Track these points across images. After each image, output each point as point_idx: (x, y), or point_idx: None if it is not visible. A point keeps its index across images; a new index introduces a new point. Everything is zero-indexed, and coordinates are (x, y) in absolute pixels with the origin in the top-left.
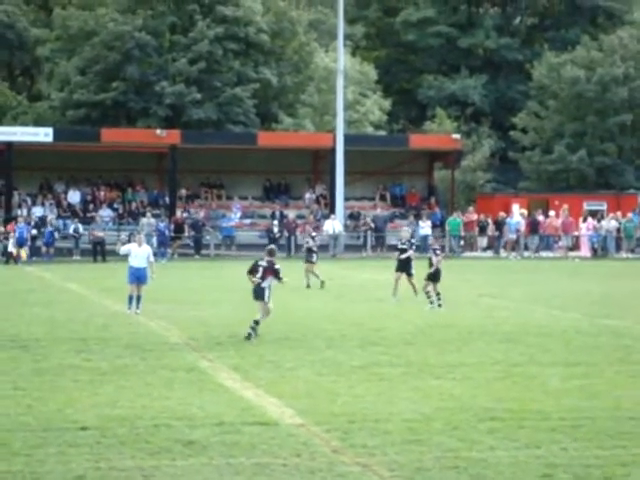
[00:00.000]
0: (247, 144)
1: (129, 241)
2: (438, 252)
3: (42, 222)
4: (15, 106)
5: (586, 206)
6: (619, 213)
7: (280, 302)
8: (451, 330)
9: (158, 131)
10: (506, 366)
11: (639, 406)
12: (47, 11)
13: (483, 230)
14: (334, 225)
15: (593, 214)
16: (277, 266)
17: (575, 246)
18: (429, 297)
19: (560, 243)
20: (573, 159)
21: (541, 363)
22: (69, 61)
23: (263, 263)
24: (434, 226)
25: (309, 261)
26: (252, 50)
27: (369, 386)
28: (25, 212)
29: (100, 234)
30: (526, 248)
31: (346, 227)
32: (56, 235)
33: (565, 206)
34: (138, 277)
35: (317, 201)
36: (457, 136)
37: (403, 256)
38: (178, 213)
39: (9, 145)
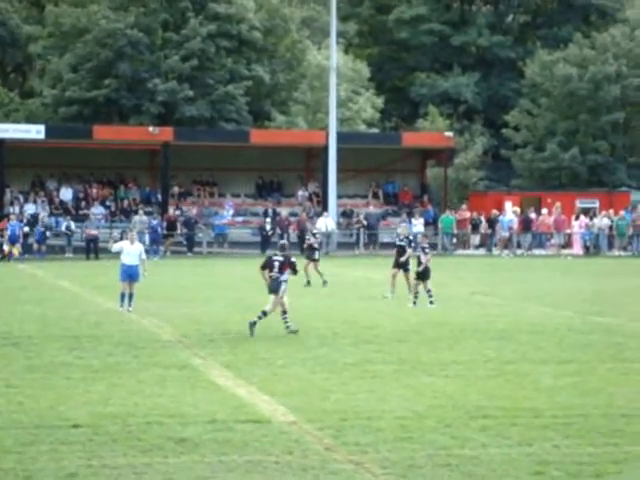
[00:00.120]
0: (240, 142)
1: (121, 239)
2: (427, 250)
3: (34, 219)
4: (7, 103)
5: (578, 204)
6: (611, 211)
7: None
8: (444, 328)
9: (150, 128)
10: (498, 364)
11: (631, 403)
12: (39, 8)
13: (476, 228)
14: (327, 223)
15: (585, 212)
16: (293, 259)
17: (567, 244)
18: (416, 297)
19: (552, 241)
20: (565, 157)
21: (533, 361)
22: (61, 58)
23: (279, 257)
24: (427, 224)
25: (311, 258)
26: (245, 47)
27: (362, 384)
28: (17, 209)
29: (94, 232)
30: (519, 246)
31: (339, 225)
32: (47, 233)
33: (558, 204)
34: (130, 275)
35: (310, 199)
36: (450, 134)
37: (403, 258)
38: (171, 210)
39: (1, 142)
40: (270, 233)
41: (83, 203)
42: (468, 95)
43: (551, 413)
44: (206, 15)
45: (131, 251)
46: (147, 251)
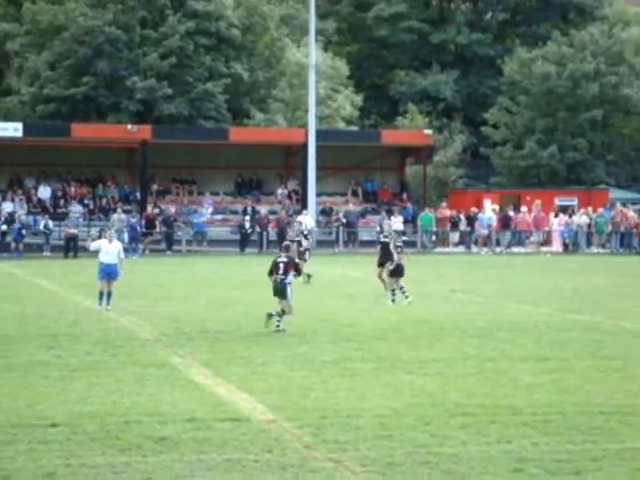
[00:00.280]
0: (219, 139)
1: (100, 237)
2: (400, 248)
3: (12, 218)
4: None
5: (557, 201)
6: (590, 208)
7: (250, 298)
8: (423, 326)
9: (129, 126)
10: (478, 361)
11: (610, 401)
12: (17, 5)
13: (455, 225)
14: (306, 221)
15: (564, 209)
16: (296, 259)
17: (546, 241)
18: (393, 294)
19: (532, 238)
20: (544, 155)
21: (513, 358)
22: (39, 56)
23: (283, 259)
24: (406, 221)
25: (301, 259)
26: (223, 45)
27: (341, 382)
28: None
29: (74, 230)
30: (498, 243)
31: (318, 223)
32: (25, 231)
33: (538, 201)
34: (108, 273)
35: (289, 197)
36: (429, 132)
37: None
38: (149, 209)
39: None
40: (249, 231)
41: (61, 201)
42: (447, 93)
43: (530, 410)
44: (185, 12)
45: (109, 250)
46: (126, 249)
